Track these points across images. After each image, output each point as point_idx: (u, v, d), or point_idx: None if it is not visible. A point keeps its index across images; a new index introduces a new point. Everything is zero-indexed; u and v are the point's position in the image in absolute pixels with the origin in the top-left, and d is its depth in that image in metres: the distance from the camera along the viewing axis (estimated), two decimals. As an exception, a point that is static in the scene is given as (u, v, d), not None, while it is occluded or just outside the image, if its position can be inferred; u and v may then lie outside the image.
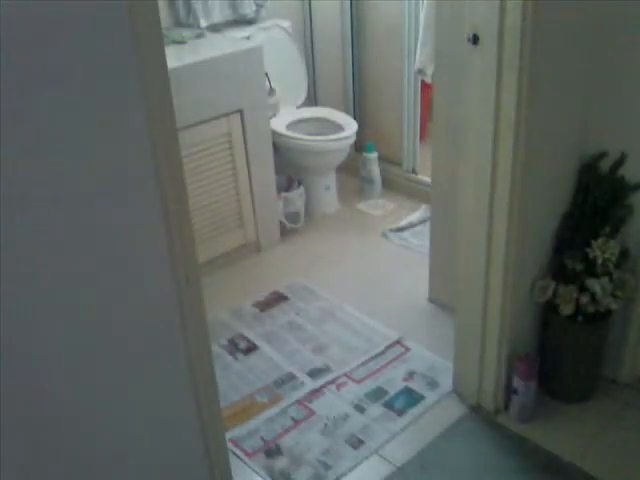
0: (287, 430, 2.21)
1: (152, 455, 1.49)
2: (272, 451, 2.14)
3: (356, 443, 2.15)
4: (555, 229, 2.11)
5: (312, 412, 2.27)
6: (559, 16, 1.78)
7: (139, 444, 1.46)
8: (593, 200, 2.04)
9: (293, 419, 2.25)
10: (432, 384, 2.36)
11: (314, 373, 2.44)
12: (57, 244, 1.18)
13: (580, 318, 2.06)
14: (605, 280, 2.02)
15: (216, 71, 2.74)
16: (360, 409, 2.28)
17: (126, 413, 1.40)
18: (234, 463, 1.95)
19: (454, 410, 2.25)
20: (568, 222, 2.09)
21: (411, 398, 2.31)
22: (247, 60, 2.83)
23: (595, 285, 2.01)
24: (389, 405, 2.29)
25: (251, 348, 2.59)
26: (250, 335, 2.65)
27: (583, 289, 2.04)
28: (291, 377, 2.43)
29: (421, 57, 2.85)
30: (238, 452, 2.14)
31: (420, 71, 2.90)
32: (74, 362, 1.27)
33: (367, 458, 2.10)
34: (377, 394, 2.34)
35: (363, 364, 2.47)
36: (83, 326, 1.26)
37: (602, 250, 2.00)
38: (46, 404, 1.26)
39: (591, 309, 2.04)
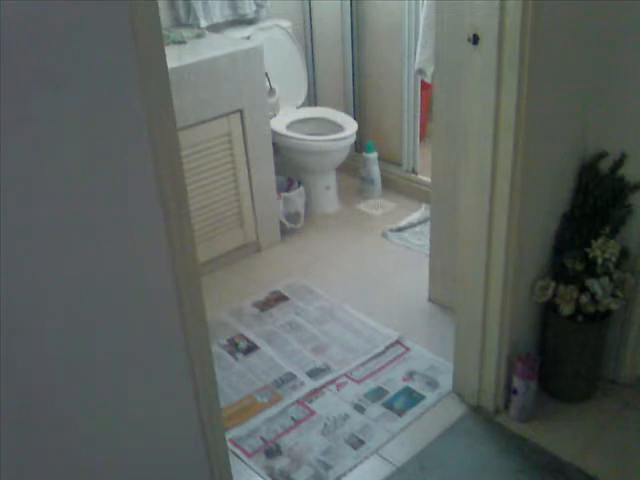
0: (287, 430, 2.21)
1: (152, 455, 1.49)
2: (272, 451, 2.14)
3: (356, 443, 2.15)
4: (555, 229, 2.11)
5: (312, 412, 2.27)
6: (559, 16, 1.78)
7: (139, 444, 1.46)
8: (593, 200, 2.04)
9: (293, 419, 2.25)
10: (432, 384, 2.36)
11: (314, 373, 2.44)
12: (57, 244, 1.18)
13: (580, 318, 2.07)
14: (605, 280, 2.02)
15: (216, 71, 2.74)
16: (360, 409, 2.28)
17: (126, 413, 1.40)
18: (234, 463, 1.96)
19: (454, 410, 2.25)
20: (568, 222, 2.09)
21: (411, 398, 2.31)
22: (247, 60, 2.83)
23: (595, 285, 2.01)
24: (389, 405, 2.29)
25: (251, 348, 2.59)
26: (250, 335, 2.65)
27: (583, 289, 2.04)
28: (291, 377, 2.43)
29: (421, 57, 2.85)
30: (238, 452, 2.14)
31: (420, 71, 2.90)
32: (74, 362, 1.27)
33: (367, 458, 2.10)
34: (377, 394, 2.34)
35: (363, 364, 2.47)
36: (83, 326, 1.26)
37: (602, 250, 2.00)
38: (46, 404, 1.26)
39: (591, 309, 2.04)
